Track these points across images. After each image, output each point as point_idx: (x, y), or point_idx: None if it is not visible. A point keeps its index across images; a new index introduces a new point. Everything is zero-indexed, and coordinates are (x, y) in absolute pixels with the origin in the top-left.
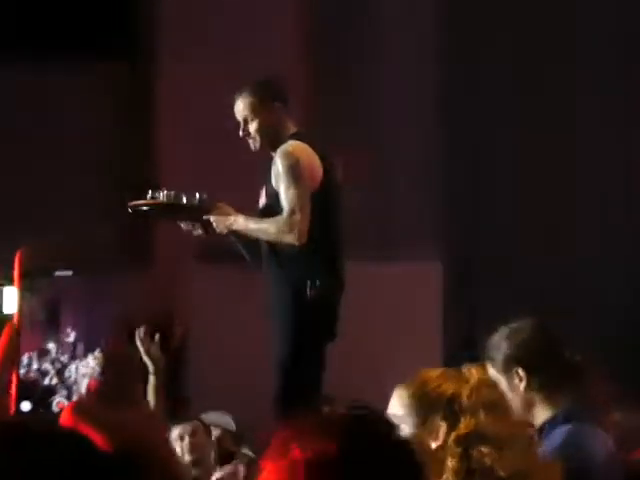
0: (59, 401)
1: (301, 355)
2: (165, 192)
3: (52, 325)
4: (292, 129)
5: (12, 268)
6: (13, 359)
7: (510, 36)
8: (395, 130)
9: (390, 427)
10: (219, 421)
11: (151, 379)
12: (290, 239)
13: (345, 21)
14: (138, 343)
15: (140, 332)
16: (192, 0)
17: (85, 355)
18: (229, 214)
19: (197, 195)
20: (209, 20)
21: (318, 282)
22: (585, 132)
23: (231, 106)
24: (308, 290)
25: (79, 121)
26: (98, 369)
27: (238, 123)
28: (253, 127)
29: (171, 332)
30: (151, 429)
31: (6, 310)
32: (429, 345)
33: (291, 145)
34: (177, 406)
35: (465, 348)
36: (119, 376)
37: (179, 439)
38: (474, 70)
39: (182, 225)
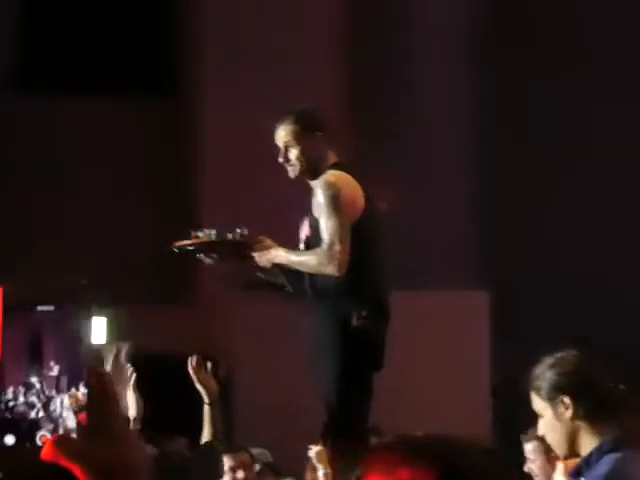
0: (43, 434)
1: (347, 386)
2: (207, 231)
3: (35, 359)
4: (332, 159)
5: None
6: None
7: (552, 73)
8: (440, 160)
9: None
10: (258, 455)
11: (206, 409)
12: (330, 270)
13: (386, 55)
14: (190, 372)
15: (192, 361)
16: (235, 37)
17: (69, 389)
18: (270, 247)
19: (237, 231)
20: (252, 56)
21: (363, 312)
22: (631, 160)
23: (270, 141)
24: (354, 321)
25: (126, 153)
26: (74, 407)
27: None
28: (293, 154)
29: (217, 362)
30: (130, 460)
31: None
32: (476, 375)
33: (333, 175)
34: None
35: (513, 379)
36: (98, 409)
37: (231, 471)
38: (519, 106)
39: (225, 261)
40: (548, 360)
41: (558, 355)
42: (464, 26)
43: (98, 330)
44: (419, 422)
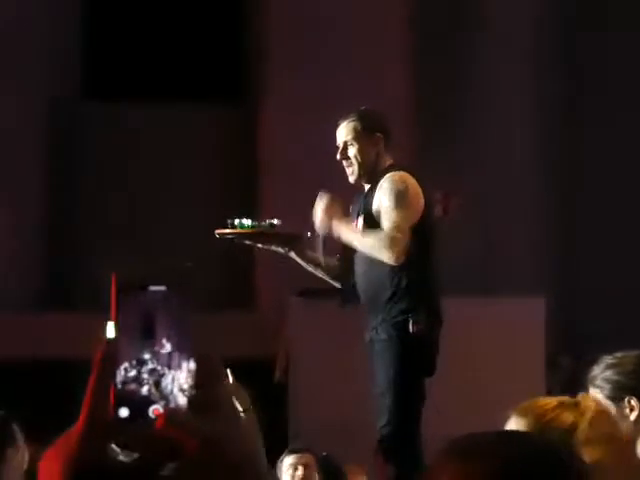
0: (155, 408)
1: (404, 389)
2: (245, 221)
3: (148, 337)
4: (390, 161)
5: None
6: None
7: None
8: (498, 166)
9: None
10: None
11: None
12: (386, 255)
13: (452, 63)
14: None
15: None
16: (296, 47)
17: (180, 366)
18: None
19: (273, 221)
20: (313, 67)
21: (419, 317)
22: None
23: (333, 148)
24: (410, 325)
25: (187, 160)
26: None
27: (341, 168)
28: (352, 152)
29: (274, 367)
30: (237, 435)
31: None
32: (531, 381)
33: (398, 174)
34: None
35: (569, 385)
36: (206, 383)
37: (291, 468)
38: (575, 112)
39: (265, 247)
40: (610, 359)
41: (619, 355)
42: (533, 27)
43: None
44: (475, 427)
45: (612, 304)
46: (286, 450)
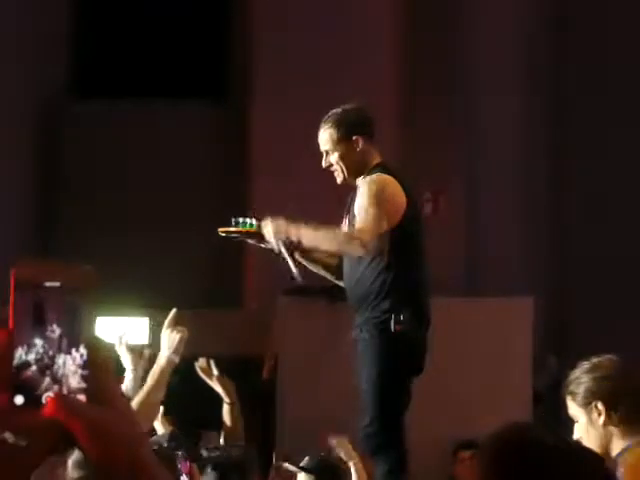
0: (49, 395)
1: (385, 388)
2: (247, 220)
3: (39, 323)
4: (376, 159)
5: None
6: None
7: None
8: (487, 166)
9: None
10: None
11: (226, 408)
12: (355, 247)
13: (442, 58)
14: (200, 374)
15: (201, 362)
16: (286, 44)
17: (69, 351)
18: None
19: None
20: (302, 65)
21: (402, 316)
22: None
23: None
24: (392, 325)
25: (176, 159)
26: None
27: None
28: (334, 159)
29: (262, 364)
30: (126, 429)
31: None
32: (519, 381)
33: (378, 175)
34: (266, 438)
35: (556, 386)
36: (100, 378)
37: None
38: (575, 110)
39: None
40: (585, 365)
41: (595, 360)
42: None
43: (140, 330)
44: (462, 428)
45: (601, 305)
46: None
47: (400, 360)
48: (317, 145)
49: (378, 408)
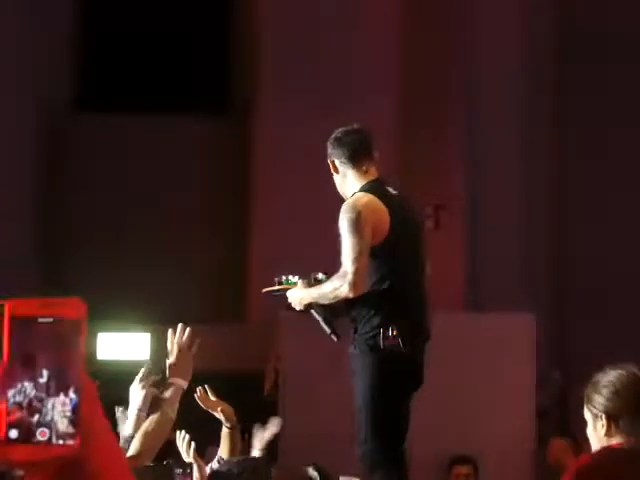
0: (42, 430)
1: (377, 405)
2: (291, 277)
3: (29, 365)
4: (366, 179)
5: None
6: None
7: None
8: (489, 180)
9: None
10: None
11: (225, 432)
12: (344, 292)
13: (441, 77)
14: (199, 402)
15: (199, 392)
16: (289, 61)
17: (57, 394)
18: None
19: (319, 276)
20: (304, 81)
21: (391, 332)
22: None
23: (324, 160)
24: (381, 340)
25: (177, 172)
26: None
27: (331, 181)
28: (336, 183)
29: (264, 380)
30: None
31: (100, 356)
32: (523, 397)
33: (354, 198)
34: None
35: (559, 401)
36: (85, 412)
37: None
38: (578, 120)
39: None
40: (605, 375)
41: (616, 372)
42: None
43: (140, 346)
44: (462, 442)
45: (603, 321)
46: None
47: (391, 376)
48: (317, 160)
49: (370, 425)
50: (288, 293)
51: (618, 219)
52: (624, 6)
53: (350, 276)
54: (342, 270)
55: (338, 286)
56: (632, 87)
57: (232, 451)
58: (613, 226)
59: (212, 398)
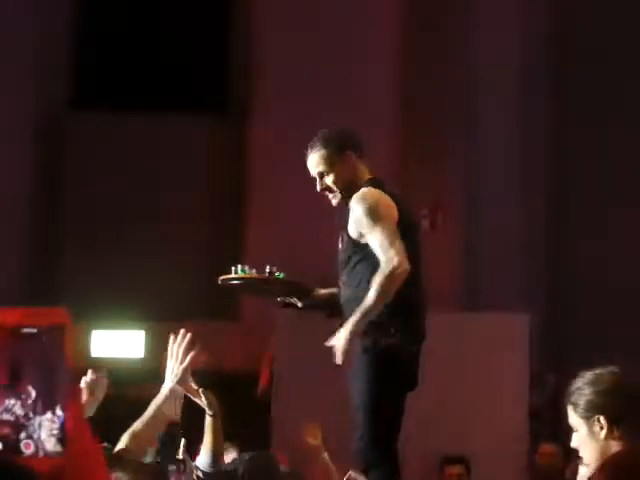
0: (27, 442)
1: (375, 403)
2: (247, 268)
3: (15, 382)
4: (367, 176)
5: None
6: None
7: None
8: (486, 180)
9: None
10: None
11: (208, 420)
12: (399, 277)
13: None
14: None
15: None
16: (288, 62)
17: (44, 412)
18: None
19: (267, 268)
20: (300, 82)
21: (391, 332)
22: None
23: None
24: (381, 339)
25: (174, 175)
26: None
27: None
28: (330, 180)
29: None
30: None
31: (95, 353)
32: (517, 397)
33: (365, 192)
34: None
35: (553, 401)
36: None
37: None
38: (576, 122)
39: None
40: (587, 376)
41: (598, 371)
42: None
43: (135, 343)
44: (455, 442)
45: (597, 321)
46: None
47: (389, 375)
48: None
49: (368, 423)
50: (337, 342)
51: (618, 219)
52: (624, 6)
53: (397, 258)
54: (383, 260)
55: (390, 274)
56: (632, 87)
57: (216, 441)
58: (612, 227)
59: (194, 386)
